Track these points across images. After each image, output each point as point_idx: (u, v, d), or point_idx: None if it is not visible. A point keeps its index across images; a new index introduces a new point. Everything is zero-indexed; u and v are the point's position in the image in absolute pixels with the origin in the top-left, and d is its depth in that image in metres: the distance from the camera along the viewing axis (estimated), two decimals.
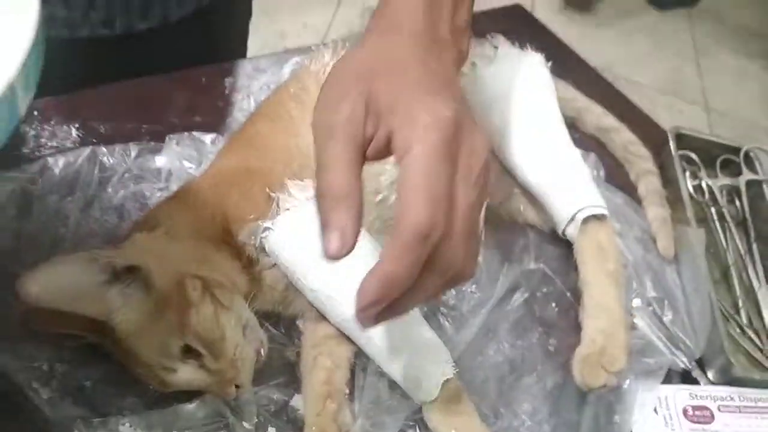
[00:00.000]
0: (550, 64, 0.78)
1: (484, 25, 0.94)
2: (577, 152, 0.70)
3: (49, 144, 0.66)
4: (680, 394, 0.63)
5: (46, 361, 0.53)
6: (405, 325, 0.55)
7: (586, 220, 0.65)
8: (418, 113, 0.40)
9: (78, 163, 0.64)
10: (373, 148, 0.41)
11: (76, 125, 0.68)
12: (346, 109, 0.41)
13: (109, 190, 0.64)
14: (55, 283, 0.47)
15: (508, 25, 0.98)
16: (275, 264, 0.56)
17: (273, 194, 0.56)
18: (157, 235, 0.53)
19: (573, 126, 0.84)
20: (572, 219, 0.66)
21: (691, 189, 0.78)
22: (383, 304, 0.39)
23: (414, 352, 0.54)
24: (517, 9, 1.03)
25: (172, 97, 0.74)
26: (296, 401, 0.56)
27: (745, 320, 0.72)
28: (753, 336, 0.71)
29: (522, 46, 0.78)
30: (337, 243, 0.39)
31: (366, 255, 0.54)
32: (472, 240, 0.41)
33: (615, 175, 0.81)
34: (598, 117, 0.84)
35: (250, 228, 0.56)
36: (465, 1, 0.49)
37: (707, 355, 0.66)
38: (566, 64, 0.94)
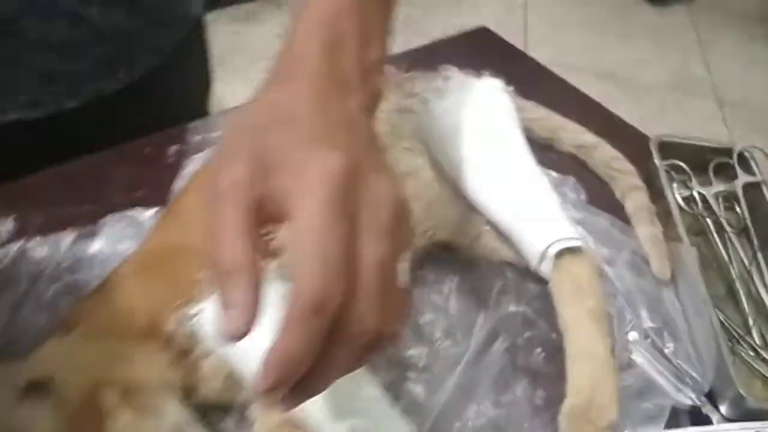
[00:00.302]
0: (511, 88, 0.73)
1: (449, 52, 0.90)
2: (544, 181, 0.65)
3: None
4: None
5: None
6: (361, 404, 0.50)
7: (559, 255, 0.59)
8: (307, 167, 0.36)
9: (7, 261, 0.60)
10: (267, 212, 0.36)
11: (13, 216, 0.64)
12: (236, 171, 0.37)
13: (41, 286, 0.59)
14: None
15: (474, 50, 0.94)
16: (211, 352, 0.51)
17: (200, 274, 0.51)
18: (72, 339, 0.49)
19: (550, 147, 0.79)
20: (544, 255, 0.60)
21: (680, 201, 0.72)
22: (288, 385, 0.34)
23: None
24: (483, 32, 0.99)
25: (113, 174, 0.70)
26: None
27: (758, 340, 0.65)
28: None
29: (492, 69, 0.73)
30: (233, 322, 0.34)
31: None
32: (387, 298, 0.36)
33: (599, 196, 0.75)
34: (574, 135, 0.79)
35: (178, 315, 0.51)
36: (375, 35, 0.45)
37: (717, 387, 0.59)
38: (539, 82, 0.90)
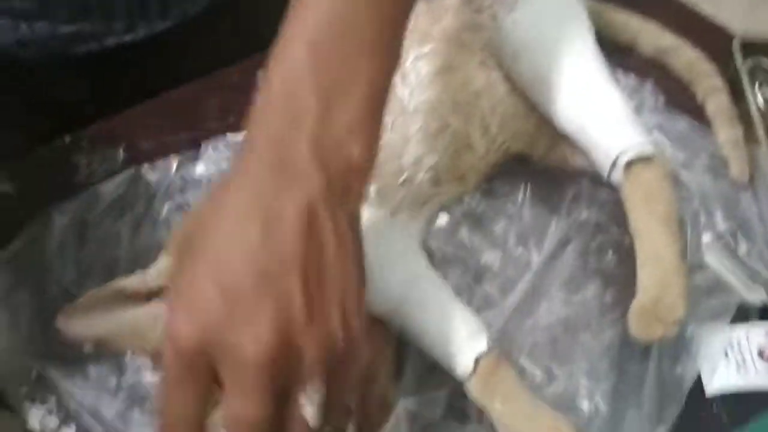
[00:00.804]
0: None
1: None
2: (617, 89, 0.65)
3: (100, 170, 0.70)
4: (754, 333, 0.58)
5: (112, 375, 0.58)
6: (433, 305, 0.55)
7: (629, 164, 0.61)
8: (237, 354, 0.34)
9: (125, 186, 0.68)
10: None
11: (123, 146, 0.72)
12: (188, 338, 0.35)
13: (156, 206, 0.67)
14: (91, 318, 0.51)
15: None
16: None
17: None
18: None
19: (628, 51, 0.79)
20: (614, 164, 0.61)
21: (761, 103, 0.71)
22: None
23: (444, 330, 0.54)
24: None
25: (207, 102, 0.76)
26: None
27: None
28: None
29: None
30: None
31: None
32: None
33: (679, 99, 0.74)
34: (655, 37, 0.77)
35: None
36: (352, 94, 0.38)
37: None
38: None
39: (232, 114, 0.74)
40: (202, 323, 0.34)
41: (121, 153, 0.72)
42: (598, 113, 0.63)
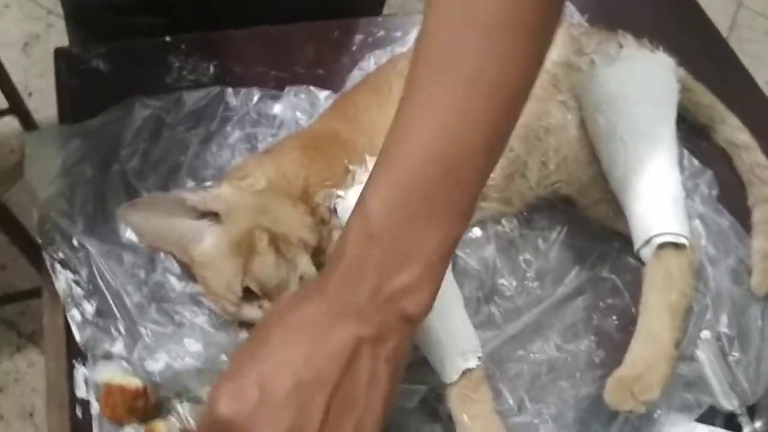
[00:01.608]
0: (681, 71, 0.75)
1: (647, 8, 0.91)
2: (676, 173, 0.68)
3: (188, 78, 0.75)
4: None
5: (142, 269, 0.63)
6: (448, 307, 0.59)
7: (661, 246, 0.64)
8: None
9: (206, 100, 0.72)
10: None
11: (215, 63, 0.76)
12: None
13: (228, 128, 0.72)
14: (148, 216, 0.57)
15: (674, 15, 0.93)
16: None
17: (351, 167, 0.61)
18: (242, 186, 0.61)
19: (703, 134, 0.81)
20: (648, 242, 0.65)
21: None
22: None
23: (444, 336, 0.58)
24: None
25: (302, 47, 0.80)
26: None
27: None
28: None
29: (679, 40, 0.75)
30: None
31: None
32: None
33: (731, 197, 0.77)
34: (731, 130, 0.79)
35: (326, 192, 0.62)
36: (417, 258, 0.43)
37: (762, 404, 0.64)
38: (723, 68, 0.89)
39: (321, 67, 0.78)
40: (236, 409, 0.40)
41: (211, 68, 0.76)
42: (651, 190, 0.66)
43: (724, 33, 2.05)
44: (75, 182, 0.66)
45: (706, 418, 0.64)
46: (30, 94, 1.75)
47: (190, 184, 0.68)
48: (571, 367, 0.65)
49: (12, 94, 1.47)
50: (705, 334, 0.68)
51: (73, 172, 0.67)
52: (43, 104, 1.70)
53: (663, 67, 0.73)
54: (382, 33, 0.82)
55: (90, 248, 0.63)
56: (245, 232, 0.58)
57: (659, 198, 0.66)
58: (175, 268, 0.64)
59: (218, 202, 0.58)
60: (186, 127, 0.71)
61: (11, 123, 1.55)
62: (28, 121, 1.54)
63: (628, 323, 0.67)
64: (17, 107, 1.51)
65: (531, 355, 0.65)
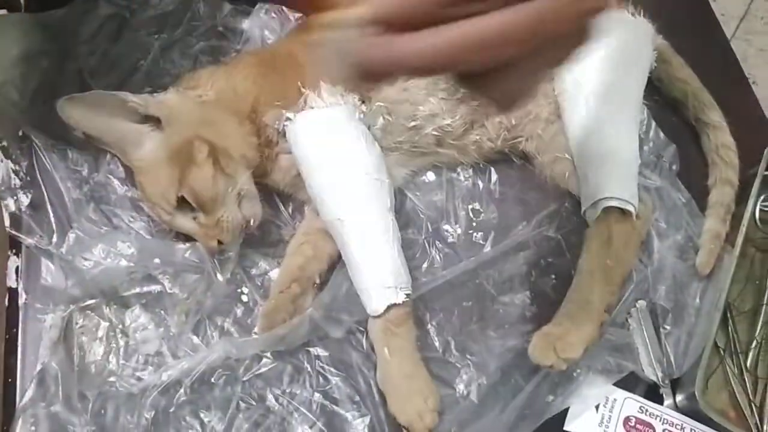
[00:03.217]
0: (661, 41, 0.74)
1: None
2: (635, 141, 0.68)
3: None
4: (629, 403, 0.63)
5: (86, 167, 0.63)
6: (378, 241, 0.59)
7: (607, 210, 0.64)
8: None
9: (174, 5, 0.71)
10: None
11: None
12: None
13: (192, 38, 0.70)
14: (88, 112, 0.56)
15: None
16: (289, 151, 0.61)
17: (304, 90, 0.60)
18: (191, 96, 0.60)
19: (674, 109, 0.80)
20: (594, 204, 0.65)
21: (758, 215, 0.73)
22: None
23: (374, 267, 0.58)
24: None
25: None
26: (275, 274, 0.63)
27: (750, 363, 0.69)
28: (749, 382, 0.68)
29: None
30: None
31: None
32: None
33: (691, 173, 0.76)
34: (702, 108, 0.78)
35: (276, 113, 0.61)
36: None
37: (685, 379, 0.65)
38: (710, 44, 0.87)
39: None
40: None
41: None
42: (607, 153, 0.66)
43: (734, 22, 2.02)
44: (29, 72, 0.65)
45: (628, 384, 0.64)
46: None
47: (147, 89, 0.67)
48: (502, 318, 0.66)
49: None
50: (640, 303, 0.68)
51: (29, 62, 0.66)
52: None
53: (641, 32, 0.71)
54: None
55: (35, 139, 0.62)
56: (185, 141, 0.57)
57: (613, 162, 0.66)
58: (120, 171, 0.63)
59: (161, 107, 0.57)
60: (149, 31, 0.70)
61: None
62: None
63: (566, 283, 0.67)
64: None
65: (464, 302, 0.66)
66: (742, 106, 0.81)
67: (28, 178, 0.61)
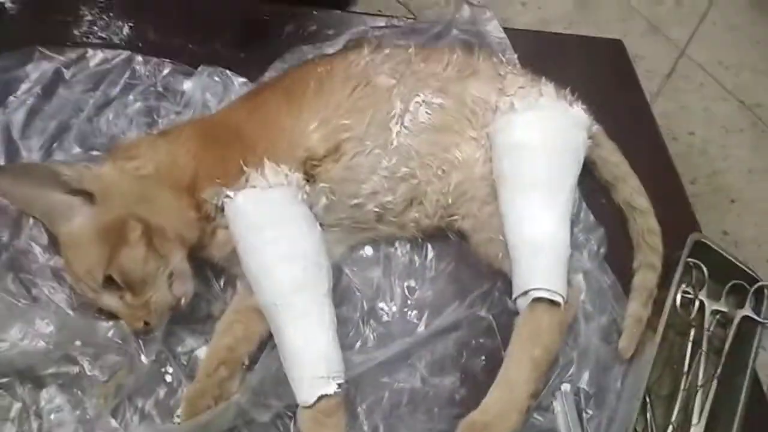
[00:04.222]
0: (595, 127, 0.76)
1: (579, 50, 0.91)
2: (567, 229, 0.69)
3: (98, 34, 0.70)
4: None
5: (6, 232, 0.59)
6: (313, 329, 0.59)
7: (537, 300, 0.65)
8: None
9: (112, 64, 0.68)
10: None
11: (130, 24, 0.72)
12: None
13: (130, 97, 0.68)
14: (17, 183, 0.53)
15: (602, 57, 0.95)
16: (228, 226, 0.60)
17: (246, 168, 0.59)
18: (127, 169, 0.58)
19: (604, 191, 0.83)
20: (525, 293, 0.66)
21: (678, 301, 0.76)
22: None
23: (306, 356, 0.58)
24: (617, 44, 0.98)
25: (227, 25, 0.76)
26: (202, 352, 0.62)
27: None
28: None
29: (608, 85, 0.74)
30: None
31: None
32: None
33: (618, 257, 0.78)
34: (631, 193, 0.81)
35: (215, 190, 0.59)
36: None
37: None
38: (640, 122, 0.90)
39: (243, 50, 0.75)
40: None
41: (125, 30, 0.72)
42: (539, 242, 0.67)
43: (660, 79, 2.09)
44: None
45: None
46: None
47: (77, 150, 0.64)
48: (432, 401, 0.66)
49: None
50: (565, 387, 0.70)
51: None
52: None
53: (576, 122, 0.73)
54: (314, 27, 0.79)
55: None
56: (118, 219, 0.55)
57: (545, 252, 0.67)
58: (43, 237, 0.60)
59: (95, 182, 0.55)
60: (85, 88, 0.67)
61: None
62: None
63: (496, 366, 0.68)
64: None
65: (395, 383, 0.66)
66: (669, 193, 0.84)
67: None
